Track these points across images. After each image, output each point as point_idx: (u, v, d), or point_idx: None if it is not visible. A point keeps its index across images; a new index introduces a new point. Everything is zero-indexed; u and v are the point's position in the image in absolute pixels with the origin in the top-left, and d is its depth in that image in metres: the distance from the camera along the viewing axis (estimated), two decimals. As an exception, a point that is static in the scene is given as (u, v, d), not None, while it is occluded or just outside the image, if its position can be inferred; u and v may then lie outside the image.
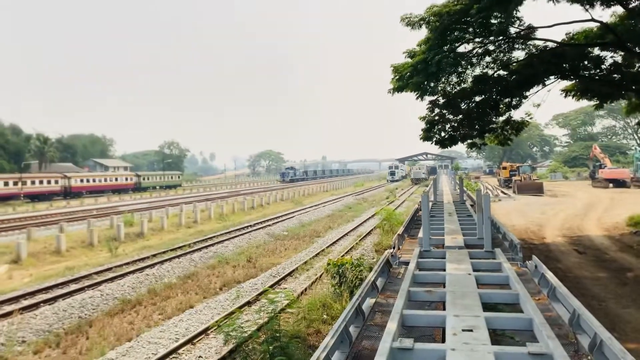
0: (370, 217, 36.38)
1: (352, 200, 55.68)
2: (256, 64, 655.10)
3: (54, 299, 15.75)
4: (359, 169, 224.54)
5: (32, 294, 16.34)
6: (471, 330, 5.49)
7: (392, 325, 5.63)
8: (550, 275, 7.79)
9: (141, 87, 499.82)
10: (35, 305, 15.08)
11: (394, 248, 11.41)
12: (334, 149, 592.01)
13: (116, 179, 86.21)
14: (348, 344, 5.92)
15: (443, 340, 5.81)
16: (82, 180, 76.71)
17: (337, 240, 26.37)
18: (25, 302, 15.38)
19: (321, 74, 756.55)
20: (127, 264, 20.79)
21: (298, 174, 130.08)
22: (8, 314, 14.06)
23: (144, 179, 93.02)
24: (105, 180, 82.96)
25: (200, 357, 10.80)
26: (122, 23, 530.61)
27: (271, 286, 16.45)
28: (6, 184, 63.26)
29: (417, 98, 19.05)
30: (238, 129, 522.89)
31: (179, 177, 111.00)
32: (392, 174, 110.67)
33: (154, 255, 22.44)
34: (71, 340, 12.92)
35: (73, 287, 17.22)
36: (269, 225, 33.23)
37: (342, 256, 18.47)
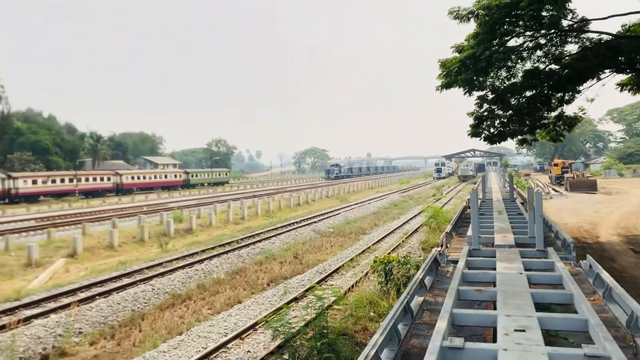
0: (416, 215, 36.04)
1: (398, 197, 55.28)
2: (298, 62, 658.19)
3: (109, 292, 16.23)
4: (404, 166, 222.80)
5: (88, 287, 16.90)
6: (523, 331, 5.39)
7: (441, 324, 5.59)
8: (605, 275, 7.56)
9: (181, 88, 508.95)
10: (91, 298, 15.59)
11: (441, 246, 11.30)
12: (378, 146, 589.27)
13: (165, 176, 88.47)
14: (397, 342, 5.92)
15: (494, 340, 5.73)
16: (132, 178, 79.19)
17: (382, 238, 26.25)
18: (82, 295, 15.93)
19: (364, 70, 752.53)
20: (177, 259, 21.25)
21: (343, 171, 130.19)
22: (66, 306, 14.58)
23: (192, 176, 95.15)
24: (155, 177, 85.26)
25: (248, 351, 10.96)
26: (160, 26, 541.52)
27: (318, 282, 16.55)
28: (62, 180, 65.98)
29: (465, 94, 18.76)
30: (282, 126, 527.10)
31: (226, 174, 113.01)
32: (439, 171, 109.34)
33: (203, 251, 22.87)
34: (125, 332, 13.34)
35: (126, 281, 17.73)
36: (315, 222, 33.38)
37: (388, 254, 18.40)
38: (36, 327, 13.00)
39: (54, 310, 14.26)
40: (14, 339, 12.01)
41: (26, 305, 14.77)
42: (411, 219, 34.36)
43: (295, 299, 14.96)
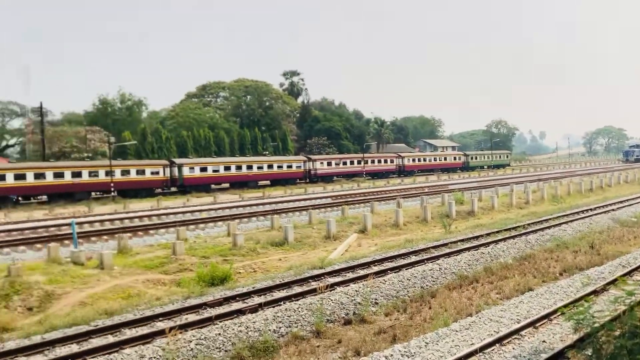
0: None
1: None
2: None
3: (398, 268, 17.16)
4: None
5: (380, 261, 18.14)
6: None
7: None
8: None
9: (460, 70, 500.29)
10: (384, 272, 16.67)
11: None
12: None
13: (445, 159, 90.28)
14: None
15: None
16: (413, 160, 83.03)
17: None
18: (375, 268, 17.16)
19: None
20: (461, 240, 21.36)
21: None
22: (362, 277, 15.85)
23: (471, 158, 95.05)
24: (435, 159, 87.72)
25: (543, 341, 10.48)
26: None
27: (621, 276, 14.89)
28: (352, 162, 73.06)
29: None
30: (568, 104, 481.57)
31: (507, 156, 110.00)
32: None
33: (488, 234, 22.55)
34: (416, 307, 14.06)
35: (414, 258, 18.51)
36: (612, 209, 30.25)
37: None
38: (339, 293, 14.52)
39: (353, 280, 15.68)
40: (322, 303, 13.65)
41: (329, 274, 16.54)
42: None
43: (595, 292, 13.75)
